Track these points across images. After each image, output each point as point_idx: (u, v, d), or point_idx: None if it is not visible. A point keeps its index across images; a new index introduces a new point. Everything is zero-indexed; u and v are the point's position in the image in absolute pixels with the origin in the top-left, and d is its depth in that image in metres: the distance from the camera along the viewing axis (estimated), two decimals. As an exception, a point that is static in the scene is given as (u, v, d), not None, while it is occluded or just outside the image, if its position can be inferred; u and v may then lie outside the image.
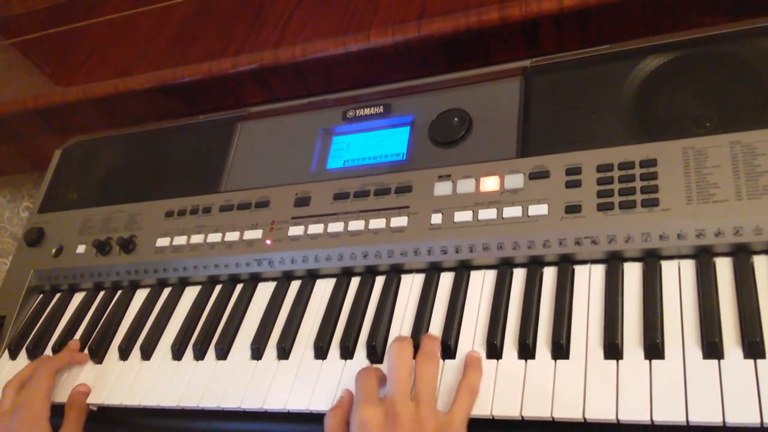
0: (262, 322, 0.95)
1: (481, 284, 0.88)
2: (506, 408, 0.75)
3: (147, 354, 0.98)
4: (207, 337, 0.97)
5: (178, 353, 0.97)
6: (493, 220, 0.89)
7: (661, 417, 0.68)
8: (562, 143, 0.90)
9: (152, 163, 1.19)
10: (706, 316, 0.73)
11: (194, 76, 1.24)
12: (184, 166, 1.16)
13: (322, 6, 1.23)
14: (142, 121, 1.33)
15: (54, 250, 1.16)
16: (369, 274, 0.95)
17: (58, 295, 1.15)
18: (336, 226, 0.97)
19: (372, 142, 1.04)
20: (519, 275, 0.87)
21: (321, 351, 0.89)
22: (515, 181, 0.90)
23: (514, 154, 0.93)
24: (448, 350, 0.82)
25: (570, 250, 0.84)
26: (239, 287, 1.02)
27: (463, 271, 0.90)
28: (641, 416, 0.69)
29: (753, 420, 0.65)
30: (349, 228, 0.96)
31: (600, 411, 0.71)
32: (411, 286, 0.92)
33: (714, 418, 0.66)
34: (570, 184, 0.87)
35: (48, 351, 1.07)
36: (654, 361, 0.72)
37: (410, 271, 0.94)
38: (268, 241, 1.00)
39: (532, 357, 0.78)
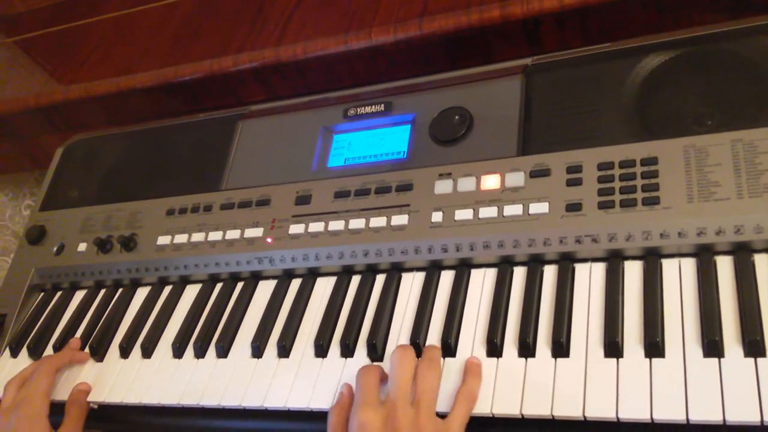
0: (263, 321, 0.95)
1: (482, 282, 0.88)
2: (506, 406, 0.75)
3: (148, 352, 0.99)
4: (208, 335, 0.97)
5: (178, 351, 0.97)
6: (493, 218, 0.88)
7: (662, 415, 0.68)
8: (562, 141, 0.90)
9: (153, 162, 1.19)
10: (706, 314, 0.73)
11: (195, 74, 1.24)
12: (185, 165, 1.16)
13: (324, 4, 1.23)
14: (144, 119, 1.33)
15: (55, 249, 1.16)
16: (369, 272, 0.95)
17: (59, 294, 1.15)
18: (337, 225, 0.97)
19: (373, 141, 1.04)
20: (519, 273, 0.87)
21: (321, 349, 0.89)
22: (516, 179, 0.90)
23: (514, 153, 0.92)
24: (449, 349, 0.82)
25: (570, 248, 0.84)
26: (240, 285, 1.02)
27: (463, 269, 0.90)
28: (641, 415, 0.69)
29: (753, 418, 0.65)
30: (349, 226, 0.96)
31: (600, 409, 0.71)
32: (411, 284, 0.92)
33: (714, 417, 0.66)
34: (571, 183, 0.86)
35: (49, 349, 1.07)
36: (654, 360, 0.72)
37: (411, 270, 0.94)
38: (269, 240, 1.00)
39: (533, 355, 0.78)
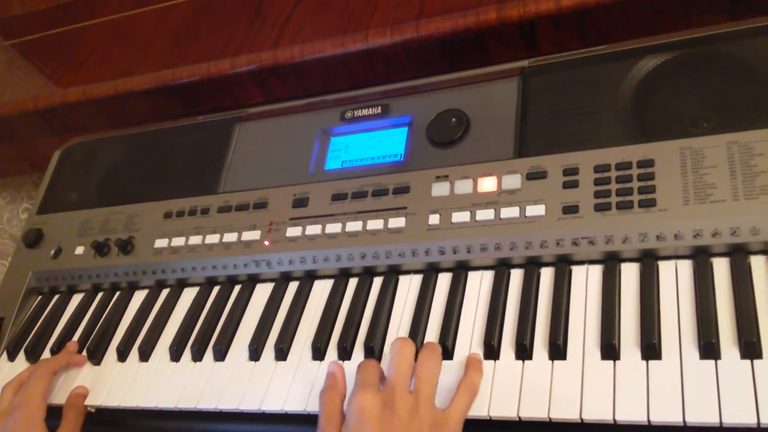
0: (260, 324, 0.95)
1: (479, 285, 0.88)
2: (503, 408, 0.75)
3: (145, 355, 0.99)
4: (205, 338, 0.97)
5: (176, 354, 0.97)
6: (490, 220, 0.88)
7: (658, 417, 0.68)
8: (559, 144, 0.90)
9: (151, 164, 1.19)
10: (703, 316, 0.73)
11: (193, 76, 1.24)
12: (182, 167, 1.16)
13: (321, 6, 1.23)
14: (142, 121, 1.33)
15: (53, 252, 1.16)
16: (367, 274, 0.95)
17: (56, 297, 1.15)
18: (334, 227, 0.97)
19: (370, 143, 1.04)
20: (516, 276, 0.87)
21: (319, 352, 0.89)
22: (513, 181, 0.90)
23: (511, 155, 0.92)
24: (446, 351, 0.82)
25: (567, 250, 0.84)
26: (237, 288, 1.02)
27: (460, 271, 0.90)
28: (638, 417, 0.69)
29: (750, 420, 0.65)
30: (347, 229, 0.96)
31: (597, 411, 0.71)
32: (409, 287, 0.92)
33: (711, 419, 0.66)
34: (567, 185, 0.86)
35: (46, 352, 1.07)
36: (651, 362, 0.72)
37: (408, 272, 0.94)
38: (266, 242, 1.00)
39: (530, 358, 0.78)
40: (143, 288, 1.10)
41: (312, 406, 0.83)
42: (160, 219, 1.11)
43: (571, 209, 0.85)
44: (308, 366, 0.88)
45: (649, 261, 0.80)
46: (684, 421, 0.67)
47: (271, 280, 1.01)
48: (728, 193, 0.78)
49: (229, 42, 1.26)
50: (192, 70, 1.24)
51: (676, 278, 0.79)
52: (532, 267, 0.86)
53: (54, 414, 0.94)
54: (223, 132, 1.16)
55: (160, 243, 1.08)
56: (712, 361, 0.70)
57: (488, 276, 0.88)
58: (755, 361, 0.69)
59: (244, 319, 0.98)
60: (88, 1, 1.59)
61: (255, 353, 0.92)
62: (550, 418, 0.72)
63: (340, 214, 0.98)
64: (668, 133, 0.85)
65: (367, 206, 0.97)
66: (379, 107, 1.05)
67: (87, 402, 0.96)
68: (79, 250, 1.14)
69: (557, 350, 0.77)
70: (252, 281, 1.02)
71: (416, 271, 0.93)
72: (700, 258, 0.78)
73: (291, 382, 0.87)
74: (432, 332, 0.85)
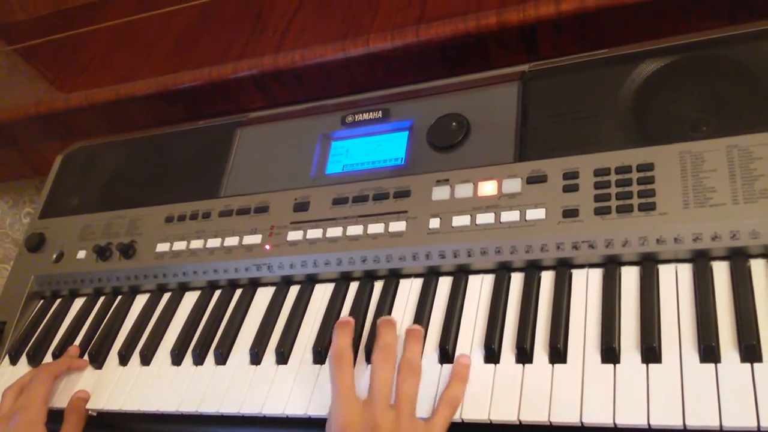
0: (261, 327, 0.95)
1: (479, 289, 0.88)
2: (504, 412, 0.75)
3: (146, 359, 0.99)
4: (206, 342, 0.97)
5: (177, 358, 0.97)
6: (491, 224, 0.89)
7: (658, 421, 0.68)
8: (559, 148, 0.90)
9: (152, 169, 1.20)
10: (703, 320, 0.73)
11: (195, 81, 1.25)
12: (184, 172, 1.16)
13: (322, 11, 1.24)
14: (143, 126, 1.33)
15: (55, 256, 1.17)
16: (367, 278, 0.95)
17: (58, 301, 1.15)
18: (335, 231, 0.97)
19: (371, 147, 1.05)
20: (517, 279, 0.87)
21: (320, 356, 0.89)
22: (513, 185, 0.90)
23: (511, 159, 0.93)
24: (446, 355, 0.82)
25: (567, 254, 0.84)
26: (238, 292, 1.02)
27: (461, 275, 0.90)
28: (638, 420, 0.69)
29: (750, 424, 0.65)
30: (347, 233, 0.96)
31: (597, 415, 0.71)
32: (409, 290, 0.92)
33: (711, 422, 0.66)
34: (567, 189, 0.87)
35: (48, 356, 1.07)
36: (651, 365, 0.73)
37: (408, 276, 0.94)
38: (267, 246, 1.01)
39: (530, 361, 0.78)
40: (145, 292, 1.10)
41: (313, 410, 0.83)
42: (161, 223, 1.11)
43: (571, 213, 0.85)
44: (309, 370, 0.88)
45: (649, 264, 0.81)
46: (684, 424, 0.67)
47: (272, 284, 1.01)
48: (728, 196, 0.78)
49: (230, 47, 1.26)
50: (194, 75, 1.25)
51: (676, 282, 0.79)
52: (532, 270, 0.86)
53: (55, 418, 0.94)
54: (224, 136, 1.16)
55: (162, 247, 1.08)
56: (712, 365, 0.70)
57: (489, 280, 0.88)
58: (755, 365, 0.69)
59: (246, 323, 0.98)
60: (91, 7, 1.60)
61: (256, 357, 0.92)
62: (550, 422, 0.73)
63: (341, 218, 0.98)
64: (668, 137, 0.85)
65: (368, 210, 0.97)
66: (380, 111, 1.06)
67: (88, 406, 0.96)
68: (81, 254, 1.15)
69: (557, 354, 0.77)
70: (253, 285, 1.02)
71: (417, 275, 0.93)
72: (700, 261, 0.79)
73: (292, 386, 0.87)
74: (432, 336, 0.85)
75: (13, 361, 1.09)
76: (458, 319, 0.86)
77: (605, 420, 0.70)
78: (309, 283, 0.99)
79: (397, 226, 0.94)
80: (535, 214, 0.87)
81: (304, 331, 0.93)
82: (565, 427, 0.73)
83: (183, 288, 1.07)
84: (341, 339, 0.83)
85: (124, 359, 1.00)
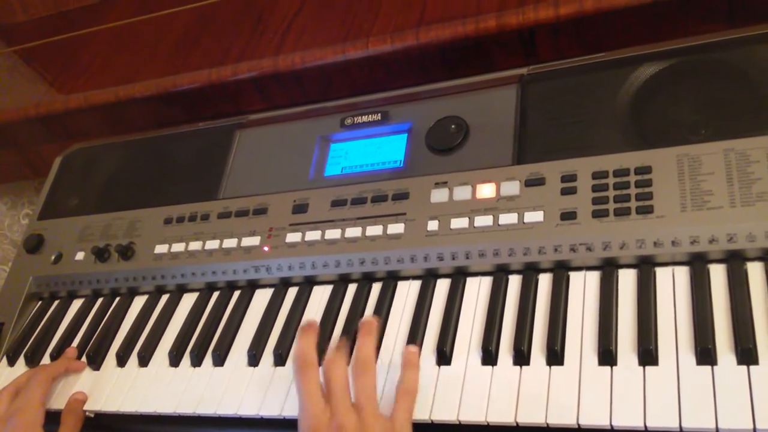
0: (259, 329, 0.95)
1: (477, 291, 0.88)
2: (501, 414, 0.75)
3: (144, 361, 0.99)
4: (204, 343, 0.97)
5: (175, 360, 0.97)
6: (489, 226, 0.89)
7: (655, 423, 0.68)
8: (557, 150, 0.91)
9: (151, 171, 1.20)
10: (699, 322, 0.74)
11: (194, 83, 1.25)
12: (183, 173, 1.16)
13: (322, 13, 1.24)
14: (143, 128, 1.34)
15: (53, 257, 1.17)
16: (366, 280, 0.95)
17: (56, 302, 1.15)
18: (333, 233, 0.98)
19: (369, 150, 1.05)
20: (514, 282, 0.87)
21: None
22: (511, 188, 0.90)
23: (510, 162, 0.93)
24: (444, 356, 0.83)
25: (565, 256, 0.84)
26: (237, 294, 1.02)
27: (459, 277, 0.90)
28: (635, 422, 0.69)
29: (746, 426, 0.65)
30: (346, 235, 0.97)
31: (594, 417, 0.71)
32: (407, 292, 0.92)
33: (707, 425, 0.66)
34: (565, 191, 0.87)
35: (46, 358, 1.07)
36: (648, 368, 0.73)
37: (407, 278, 0.94)
38: (266, 248, 1.01)
39: (527, 363, 0.79)
40: (143, 293, 1.10)
41: (310, 412, 0.83)
42: (160, 225, 1.11)
43: (569, 216, 0.85)
44: (307, 371, 0.88)
45: (646, 267, 0.81)
46: (680, 426, 0.67)
47: (270, 286, 1.01)
48: (725, 200, 0.78)
49: (230, 49, 1.26)
50: (193, 77, 1.25)
51: (673, 284, 0.79)
52: (530, 273, 0.86)
53: (52, 419, 0.94)
54: (223, 138, 1.16)
55: (160, 249, 1.08)
56: (709, 367, 0.70)
57: (486, 282, 0.89)
58: (751, 368, 0.69)
59: (243, 325, 0.98)
60: (91, 9, 1.60)
61: (254, 359, 0.92)
62: (547, 424, 0.73)
63: (340, 220, 0.98)
64: (666, 140, 0.85)
65: (367, 212, 0.97)
66: (379, 114, 1.06)
67: (86, 407, 0.96)
68: (80, 255, 1.15)
69: (555, 356, 0.77)
70: (251, 287, 1.02)
71: (415, 277, 0.93)
72: (697, 264, 0.79)
73: (289, 388, 0.87)
74: (430, 338, 0.85)
75: (11, 362, 1.09)
76: (456, 321, 0.86)
77: (602, 422, 0.70)
78: (307, 284, 0.99)
79: (396, 228, 0.94)
80: (533, 216, 0.87)
81: (302, 332, 0.93)
82: (562, 429, 0.73)
83: (181, 289, 1.07)
84: (304, 342, 0.81)
85: (122, 360, 1.00)
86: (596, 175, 0.86)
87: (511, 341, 0.81)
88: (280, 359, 0.91)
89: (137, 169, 1.22)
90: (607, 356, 0.75)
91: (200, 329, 1.00)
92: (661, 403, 0.69)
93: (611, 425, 0.70)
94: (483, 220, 0.89)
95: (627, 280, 0.82)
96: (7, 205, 1.74)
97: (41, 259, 1.18)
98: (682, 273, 0.80)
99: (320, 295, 0.97)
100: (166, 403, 0.92)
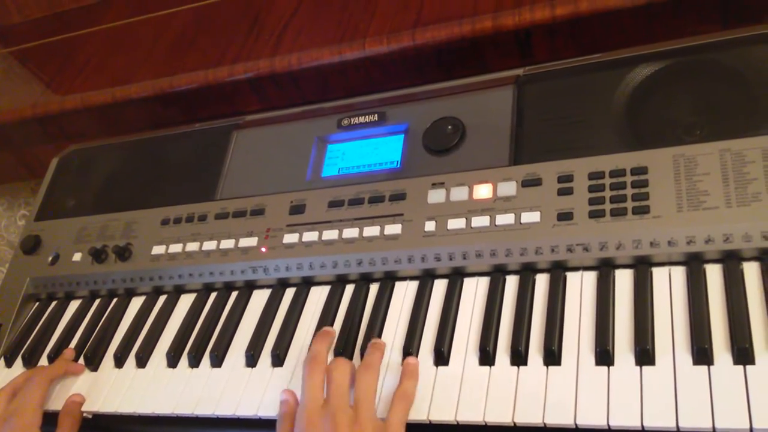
0: (257, 330, 0.95)
1: (474, 291, 0.89)
2: (499, 414, 0.75)
3: (142, 362, 0.99)
4: (202, 344, 0.97)
5: (173, 361, 0.97)
6: (486, 227, 0.89)
7: (652, 423, 0.69)
8: (554, 151, 0.91)
9: (148, 172, 1.20)
10: (696, 322, 0.74)
11: (191, 84, 1.25)
12: (180, 174, 1.16)
13: (319, 14, 1.24)
14: (140, 129, 1.34)
15: (50, 258, 1.17)
16: (363, 281, 0.96)
17: (54, 303, 1.15)
18: (331, 234, 0.98)
19: (366, 150, 1.05)
20: (512, 282, 0.87)
21: (315, 358, 0.89)
22: (508, 188, 0.91)
23: (506, 162, 0.93)
24: (441, 357, 0.83)
25: (562, 257, 0.85)
26: (234, 295, 1.03)
27: (456, 278, 0.90)
28: (632, 422, 0.69)
29: (742, 425, 0.65)
30: (343, 235, 0.97)
31: (591, 417, 0.71)
32: (405, 293, 0.92)
33: (703, 424, 0.67)
34: (562, 192, 0.87)
35: (44, 359, 1.07)
36: (645, 368, 0.73)
37: (404, 279, 0.94)
38: (263, 249, 1.01)
39: (525, 363, 0.79)
40: (140, 294, 1.10)
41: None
42: (157, 226, 1.11)
43: (565, 216, 0.85)
44: (305, 372, 0.88)
45: (642, 267, 0.81)
46: (677, 426, 0.68)
47: (268, 287, 1.02)
48: (721, 200, 0.79)
49: (226, 50, 1.26)
50: (190, 78, 1.25)
51: (669, 284, 0.79)
52: (527, 273, 0.87)
53: (49, 420, 0.94)
54: (220, 139, 1.16)
55: (158, 249, 1.08)
56: (705, 367, 0.71)
57: (484, 282, 0.89)
58: (748, 367, 0.69)
59: (241, 326, 0.98)
60: (87, 10, 1.60)
61: (252, 359, 0.92)
62: (544, 424, 0.73)
63: (337, 220, 0.99)
64: (662, 141, 0.86)
65: (364, 213, 0.98)
66: (376, 115, 1.06)
67: (84, 408, 0.96)
68: (77, 256, 1.15)
69: (552, 356, 0.77)
70: (249, 288, 1.03)
71: (412, 278, 0.94)
72: (694, 264, 0.79)
73: (287, 388, 0.87)
74: (428, 338, 0.86)
75: (8, 363, 1.09)
76: (453, 321, 0.86)
77: (599, 422, 0.71)
78: (305, 285, 0.99)
79: (393, 228, 0.94)
80: (530, 217, 0.87)
81: (300, 333, 0.94)
82: (559, 429, 0.73)
83: (179, 290, 1.07)
84: (318, 345, 0.85)
85: (119, 361, 1.00)
86: (593, 176, 0.86)
87: (509, 341, 0.81)
88: (277, 360, 0.91)
89: (134, 170, 1.22)
90: (604, 356, 0.75)
91: (198, 330, 1.00)
92: (658, 403, 0.70)
93: (608, 425, 0.70)
94: (480, 221, 0.90)
95: (624, 280, 0.82)
96: (4, 206, 1.74)
97: (38, 260, 1.18)
98: (679, 273, 0.80)
99: (318, 296, 0.97)
100: (164, 404, 0.92)
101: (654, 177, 0.83)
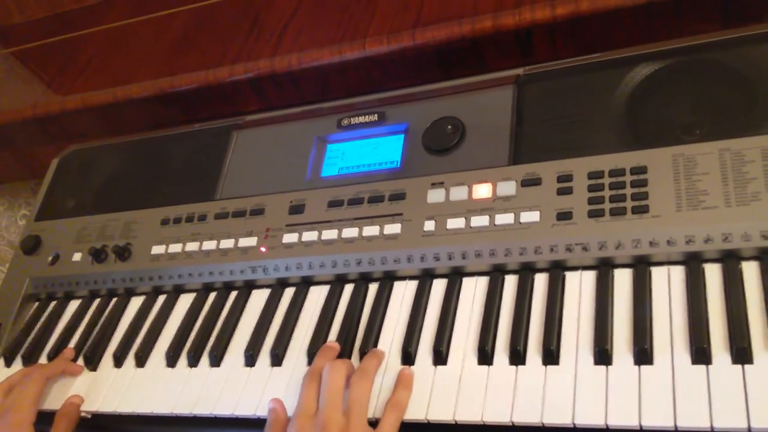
0: (256, 329, 0.95)
1: (473, 291, 0.88)
2: (497, 414, 0.75)
3: (141, 361, 0.99)
4: (201, 344, 0.97)
5: (172, 360, 0.97)
6: (485, 227, 0.89)
7: (650, 422, 0.68)
8: (553, 150, 0.91)
9: (148, 172, 1.20)
10: (695, 322, 0.74)
11: (191, 84, 1.25)
12: (180, 174, 1.16)
13: (319, 14, 1.24)
14: (140, 129, 1.34)
15: (50, 258, 1.17)
16: (362, 281, 0.96)
17: (53, 303, 1.15)
18: (330, 234, 0.98)
19: (366, 150, 1.05)
20: (511, 282, 0.87)
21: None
22: (507, 188, 0.90)
23: (506, 162, 0.93)
24: (440, 356, 0.83)
25: (561, 256, 0.84)
26: (233, 294, 1.03)
27: (455, 277, 0.90)
28: (630, 421, 0.69)
29: (740, 425, 0.65)
30: (343, 235, 0.97)
31: (589, 416, 0.71)
32: (404, 292, 0.92)
33: (702, 424, 0.67)
34: (561, 191, 0.87)
35: (43, 359, 1.07)
36: (643, 367, 0.73)
37: (403, 278, 0.94)
38: (263, 249, 1.01)
39: (523, 363, 0.79)
40: (140, 294, 1.10)
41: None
42: (157, 226, 1.11)
43: (565, 216, 0.85)
44: (304, 372, 0.88)
45: (641, 267, 0.81)
46: (675, 425, 0.67)
47: (267, 286, 1.02)
48: (720, 199, 0.79)
49: (227, 50, 1.26)
50: (190, 78, 1.25)
51: (668, 284, 0.79)
52: (526, 273, 0.86)
53: (46, 420, 0.94)
54: (220, 139, 1.16)
55: (157, 249, 1.08)
56: (704, 367, 0.71)
57: (483, 282, 0.89)
58: (746, 367, 0.69)
59: (240, 325, 0.98)
60: (88, 10, 1.60)
61: (251, 359, 0.92)
62: (543, 423, 0.73)
63: (336, 220, 0.98)
64: (661, 140, 0.86)
65: (363, 213, 0.97)
66: (376, 114, 1.06)
67: (83, 408, 0.96)
68: (77, 256, 1.15)
69: (550, 356, 0.77)
70: (248, 287, 1.03)
71: (411, 277, 0.94)
72: (693, 264, 0.79)
73: (286, 388, 0.87)
74: (426, 338, 0.86)
75: (8, 363, 1.09)
76: (452, 321, 0.86)
77: (597, 421, 0.71)
78: (304, 285, 0.99)
79: (392, 228, 0.94)
80: (529, 216, 0.87)
81: (299, 333, 0.94)
82: (557, 429, 0.73)
83: (178, 290, 1.07)
84: (321, 360, 0.85)
85: (119, 361, 1.00)
86: (592, 175, 0.86)
87: (507, 341, 0.81)
88: (276, 359, 0.91)
89: (134, 170, 1.22)
90: (603, 356, 0.75)
91: (197, 330, 1.00)
92: (656, 403, 0.70)
93: (607, 425, 0.70)
94: (479, 221, 0.90)
95: (623, 279, 0.82)
96: (4, 206, 1.74)
97: (38, 260, 1.19)
98: (678, 272, 0.80)
99: (317, 296, 0.97)
100: (163, 404, 0.92)
101: (653, 176, 0.83)
